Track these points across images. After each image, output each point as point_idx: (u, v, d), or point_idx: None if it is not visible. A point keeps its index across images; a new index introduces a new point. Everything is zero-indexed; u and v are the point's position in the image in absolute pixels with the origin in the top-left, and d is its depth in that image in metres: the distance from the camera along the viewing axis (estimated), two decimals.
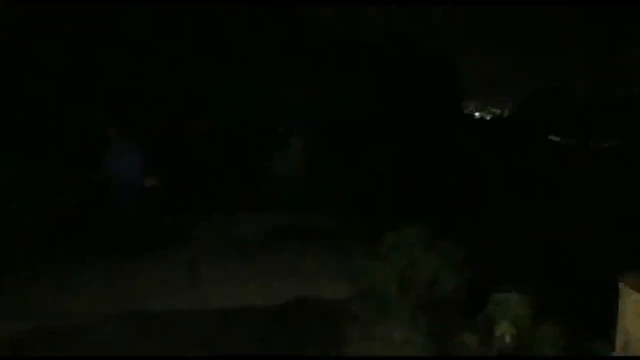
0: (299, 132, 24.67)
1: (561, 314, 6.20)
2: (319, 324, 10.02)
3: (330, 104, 24.60)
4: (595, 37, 25.77)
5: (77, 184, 15.94)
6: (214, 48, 22.41)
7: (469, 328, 6.77)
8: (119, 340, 9.69)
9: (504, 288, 6.91)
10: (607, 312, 5.23)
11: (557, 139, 18.78)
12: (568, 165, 12.39)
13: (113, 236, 15.00)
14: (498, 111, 35.51)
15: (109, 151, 15.10)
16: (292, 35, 23.60)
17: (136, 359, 9.32)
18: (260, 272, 13.45)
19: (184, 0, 22.08)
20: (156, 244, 15.32)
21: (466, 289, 7.68)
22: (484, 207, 11.52)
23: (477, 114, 34.67)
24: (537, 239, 10.31)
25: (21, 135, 17.15)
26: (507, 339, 6.08)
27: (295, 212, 18.54)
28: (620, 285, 4.68)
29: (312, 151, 22.83)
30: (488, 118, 33.81)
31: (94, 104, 20.32)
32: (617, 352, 4.90)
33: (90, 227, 16.37)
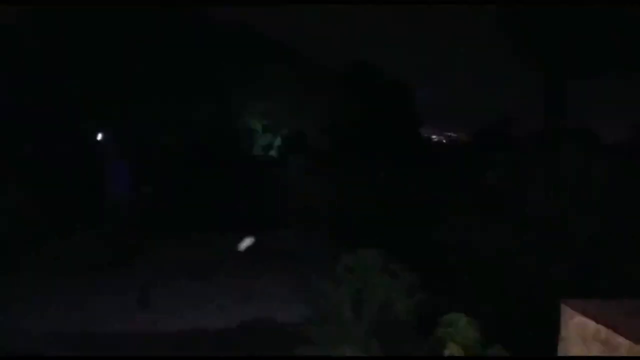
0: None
1: (508, 336, 6.35)
2: (274, 347, 9.94)
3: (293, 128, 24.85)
4: (550, 68, 26.90)
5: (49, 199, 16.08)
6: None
7: (421, 349, 6.87)
8: None
9: (454, 311, 7.05)
10: (552, 334, 5.37)
11: None
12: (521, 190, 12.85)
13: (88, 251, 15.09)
14: (454, 135, 36.57)
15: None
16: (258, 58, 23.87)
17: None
18: (216, 294, 13.30)
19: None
20: (115, 263, 15.09)
21: (418, 311, 7.78)
22: (437, 231, 11.79)
23: (434, 137, 35.65)
24: (488, 263, 10.58)
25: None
26: None
27: (255, 233, 18.44)
28: (563, 307, 4.75)
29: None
30: (444, 141, 34.81)
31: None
32: None
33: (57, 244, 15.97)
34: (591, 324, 4.36)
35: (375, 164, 20.60)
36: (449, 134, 36.77)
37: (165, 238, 17.62)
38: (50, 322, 11.15)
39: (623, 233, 9.82)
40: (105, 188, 18.99)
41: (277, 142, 25.05)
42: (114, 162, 19.01)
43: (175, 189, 20.23)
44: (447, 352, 6.25)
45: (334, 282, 8.57)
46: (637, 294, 6.02)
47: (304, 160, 23.82)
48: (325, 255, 10.87)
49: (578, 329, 4.61)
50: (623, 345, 3.95)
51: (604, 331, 4.17)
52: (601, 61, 25.24)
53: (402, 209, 14.68)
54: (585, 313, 4.48)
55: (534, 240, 9.28)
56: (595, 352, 4.25)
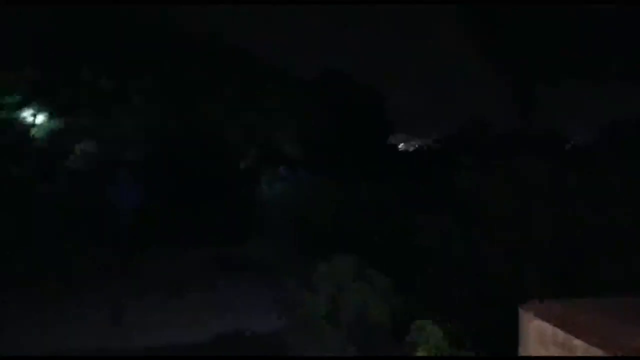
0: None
1: (477, 340, 6.43)
2: (250, 357, 9.87)
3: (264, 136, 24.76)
4: (516, 73, 27.34)
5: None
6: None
7: (396, 354, 6.91)
8: None
9: (430, 315, 7.12)
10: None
11: None
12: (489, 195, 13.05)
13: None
14: (420, 143, 36.96)
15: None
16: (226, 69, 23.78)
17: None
18: (191, 307, 13.15)
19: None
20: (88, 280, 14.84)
21: (394, 316, 7.83)
22: (411, 236, 11.89)
23: (401, 145, 36.02)
24: (462, 268, 10.70)
25: None
26: None
27: (230, 245, 18.31)
28: (521, 312, 4.73)
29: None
30: (411, 150, 35.17)
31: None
32: None
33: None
34: (548, 327, 4.39)
35: (348, 171, 20.71)
36: (420, 139, 37.17)
37: (140, 253, 17.39)
38: (22, 339, 10.94)
39: (592, 236, 10.03)
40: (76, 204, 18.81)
41: (250, 152, 24.96)
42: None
43: (148, 204, 19.98)
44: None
45: (310, 290, 8.59)
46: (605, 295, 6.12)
47: (277, 170, 23.78)
48: (301, 263, 10.87)
49: (536, 333, 4.63)
50: (579, 347, 3.99)
51: (561, 334, 4.20)
52: (570, 65, 25.81)
53: (375, 215, 14.79)
54: (542, 316, 4.52)
55: (506, 245, 9.44)
56: (553, 355, 4.29)
